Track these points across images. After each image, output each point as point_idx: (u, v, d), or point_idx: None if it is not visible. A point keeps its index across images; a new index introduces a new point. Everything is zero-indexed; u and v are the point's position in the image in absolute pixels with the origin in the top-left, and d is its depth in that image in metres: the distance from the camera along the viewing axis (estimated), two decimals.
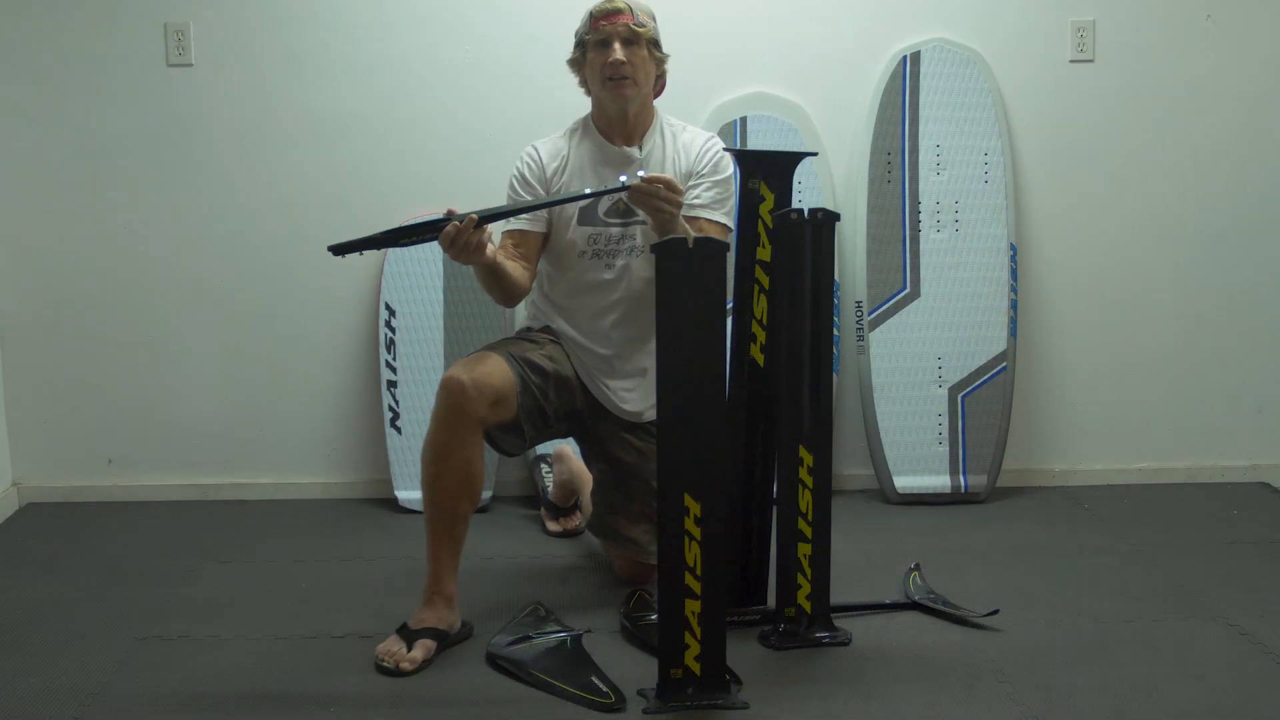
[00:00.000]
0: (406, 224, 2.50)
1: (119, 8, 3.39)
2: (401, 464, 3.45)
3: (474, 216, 2.43)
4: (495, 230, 2.64)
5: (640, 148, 2.76)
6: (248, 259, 3.49)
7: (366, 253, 2.46)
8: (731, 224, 2.64)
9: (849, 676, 2.39)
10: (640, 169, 2.65)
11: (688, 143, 2.78)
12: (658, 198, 2.47)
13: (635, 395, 2.80)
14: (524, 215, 2.72)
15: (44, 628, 2.66)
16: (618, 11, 2.68)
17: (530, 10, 3.42)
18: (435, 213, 2.47)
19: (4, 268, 3.47)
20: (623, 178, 2.51)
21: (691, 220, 2.66)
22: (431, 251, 3.41)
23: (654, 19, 2.74)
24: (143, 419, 3.54)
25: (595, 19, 2.70)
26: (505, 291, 2.67)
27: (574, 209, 2.72)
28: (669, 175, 2.55)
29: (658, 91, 2.82)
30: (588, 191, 2.60)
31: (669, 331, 2.24)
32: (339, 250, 2.43)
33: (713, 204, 2.72)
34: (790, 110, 3.46)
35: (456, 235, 2.42)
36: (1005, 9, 3.48)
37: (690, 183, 2.72)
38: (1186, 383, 3.62)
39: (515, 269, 2.67)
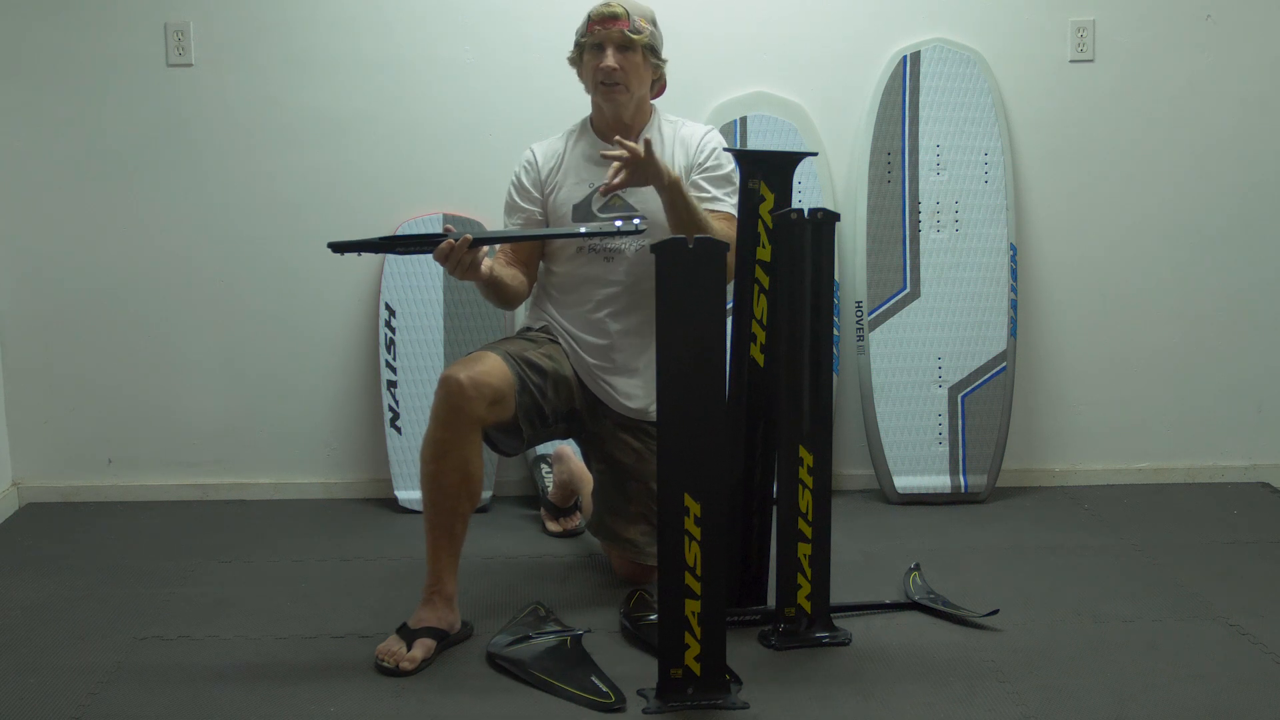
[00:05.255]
0: (405, 233, 2.53)
1: (119, 8, 3.39)
2: (401, 464, 3.45)
3: (468, 238, 2.47)
4: None
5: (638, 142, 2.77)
6: (248, 259, 3.49)
7: (365, 254, 2.48)
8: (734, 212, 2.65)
9: (849, 676, 2.39)
10: (629, 219, 2.66)
11: (686, 136, 2.80)
12: (629, 168, 2.51)
13: (638, 392, 2.79)
14: (517, 221, 2.80)
15: (44, 628, 2.66)
16: (614, 17, 2.68)
17: (530, 10, 3.42)
18: (434, 213, 2.49)
19: (4, 268, 3.47)
20: (618, 223, 2.54)
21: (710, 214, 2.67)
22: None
23: (653, 23, 2.74)
24: (143, 419, 3.54)
25: (592, 22, 2.71)
26: (503, 300, 2.74)
27: (568, 209, 2.76)
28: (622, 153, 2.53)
29: (657, 93, 2.83)
30: (583, 230, 2.65)
31: (669, 331, 2.24)
32: (338, 248, 2.48)
33: (720, 194, 2.73)
34: (790, 110, 3.46)
35: (451, 253, 2.48)
36: (1005, 9, 3.47)
37: (692, 176, 2.74)
38: (1186, 382, 3.62)
39: (513, 277, 2.72)
